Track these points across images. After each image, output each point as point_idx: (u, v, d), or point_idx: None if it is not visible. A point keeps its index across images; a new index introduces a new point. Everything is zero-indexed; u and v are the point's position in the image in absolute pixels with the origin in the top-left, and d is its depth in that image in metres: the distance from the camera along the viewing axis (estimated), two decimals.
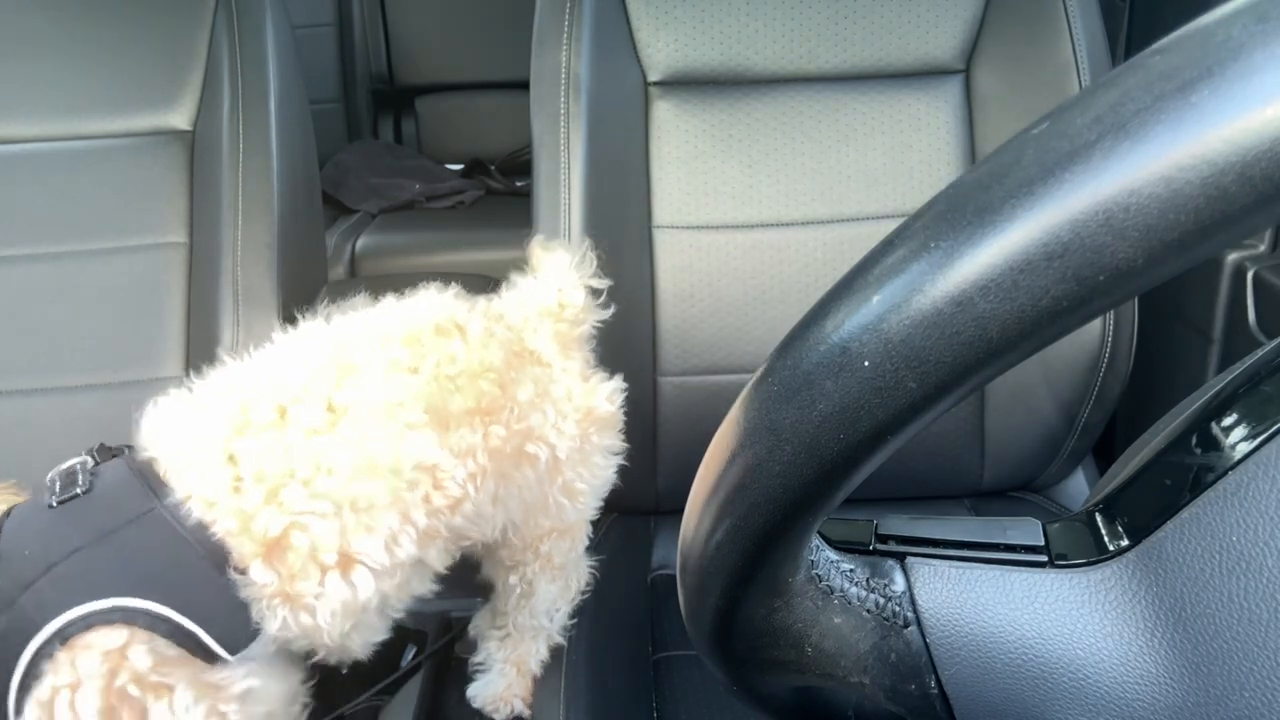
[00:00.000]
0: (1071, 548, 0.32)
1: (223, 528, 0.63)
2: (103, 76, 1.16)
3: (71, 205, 1.14)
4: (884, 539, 0.34)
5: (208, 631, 0.63)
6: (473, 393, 0.70)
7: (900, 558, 0.34)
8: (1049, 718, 0.32)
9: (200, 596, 0.63)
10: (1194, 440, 0.30)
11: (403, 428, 0.66)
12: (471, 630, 0.93)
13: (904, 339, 0.23)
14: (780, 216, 1.06)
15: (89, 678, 0.59)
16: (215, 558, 0.63)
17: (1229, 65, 0.19)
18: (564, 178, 1.02)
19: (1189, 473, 0.30)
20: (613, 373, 1.05)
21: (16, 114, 1.15)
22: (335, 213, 2.02)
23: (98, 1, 1.17)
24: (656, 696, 0.92)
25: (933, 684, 0.34)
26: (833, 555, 0.34)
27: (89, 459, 0.69)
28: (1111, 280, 0.21)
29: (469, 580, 1.03)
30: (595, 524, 1.16)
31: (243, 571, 0.63)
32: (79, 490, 0.65)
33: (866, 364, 0.24)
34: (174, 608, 0.62)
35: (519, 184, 2.11)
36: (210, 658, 0.63)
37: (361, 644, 0.72)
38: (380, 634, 0.73)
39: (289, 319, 1.12)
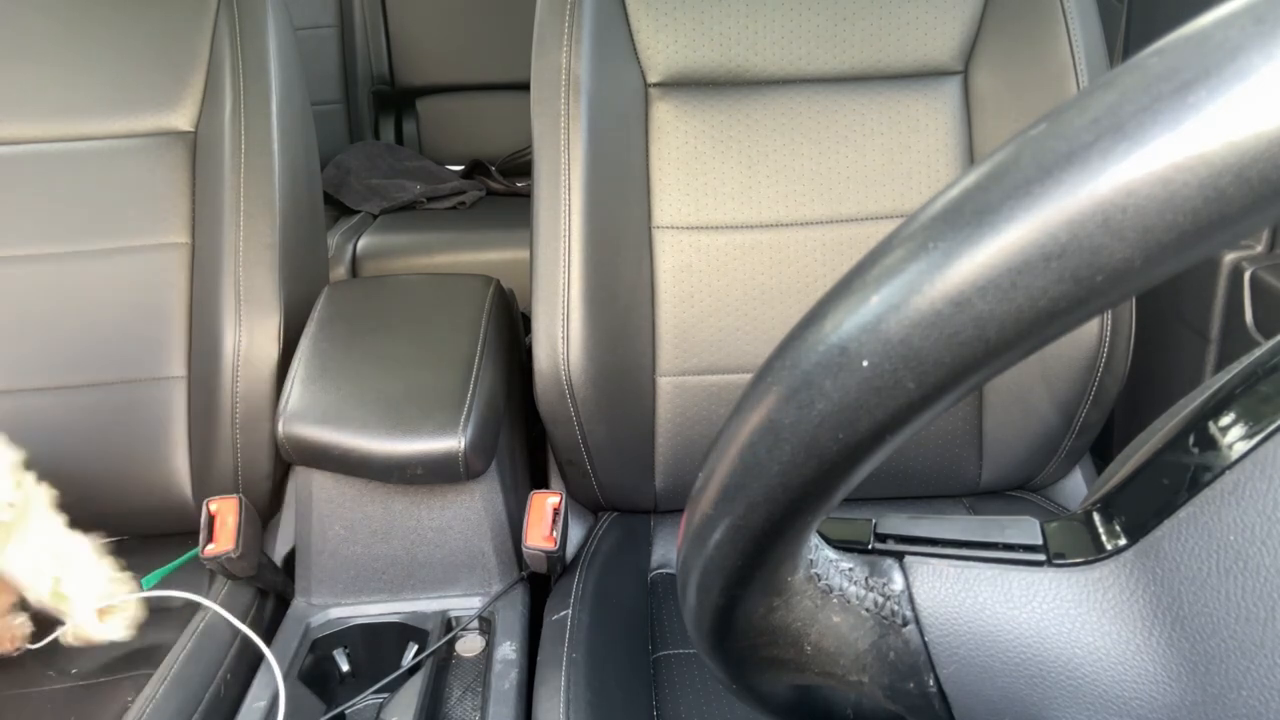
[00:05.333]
0: (1069, 547, 0.32)
1: None
2: (104, 77, 1.16)
3: (73, 206, 1.14)
4: (882, 538, 0.34)
5: None
6: None
7: (899, 556, 0.34)
8: (1047, 716, 0.32)
9: None
10: (1191, 440, 0.30)
11: None
12: None
13: (902, 339, 0.23)
14: (780, 217, 1.06)
15: None
16: None
17: (1226, 66, 0.20)
18: (564, 178, 1.02)
19: (1186, 472, 0.30)
20: (613, 373, 1.06)
21: (18, 115, 1.15)
22: (336, 213, 2.02)
23: (99, 2, 1.18)
24: (656, 695, 0.92)
25: (931, 682, 0.34)
26: (832, 554, 0.34)
27: None
28: (1109, 281, 0.21)
29: (470, 580, 1.04)
30: (594, 523, 1.16)
31: None
32: None
33: (865, 364, 0.24)
34: None
35: (519, 185, 2.11)
36: None
37: None
38: None
39: (290, 319, 1.12)
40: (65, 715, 0.91)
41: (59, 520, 0.95)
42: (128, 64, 1.17)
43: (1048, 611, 0.31)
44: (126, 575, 0.98)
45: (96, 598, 0.94)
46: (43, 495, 0.95)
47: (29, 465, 1.01)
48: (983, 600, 0.32)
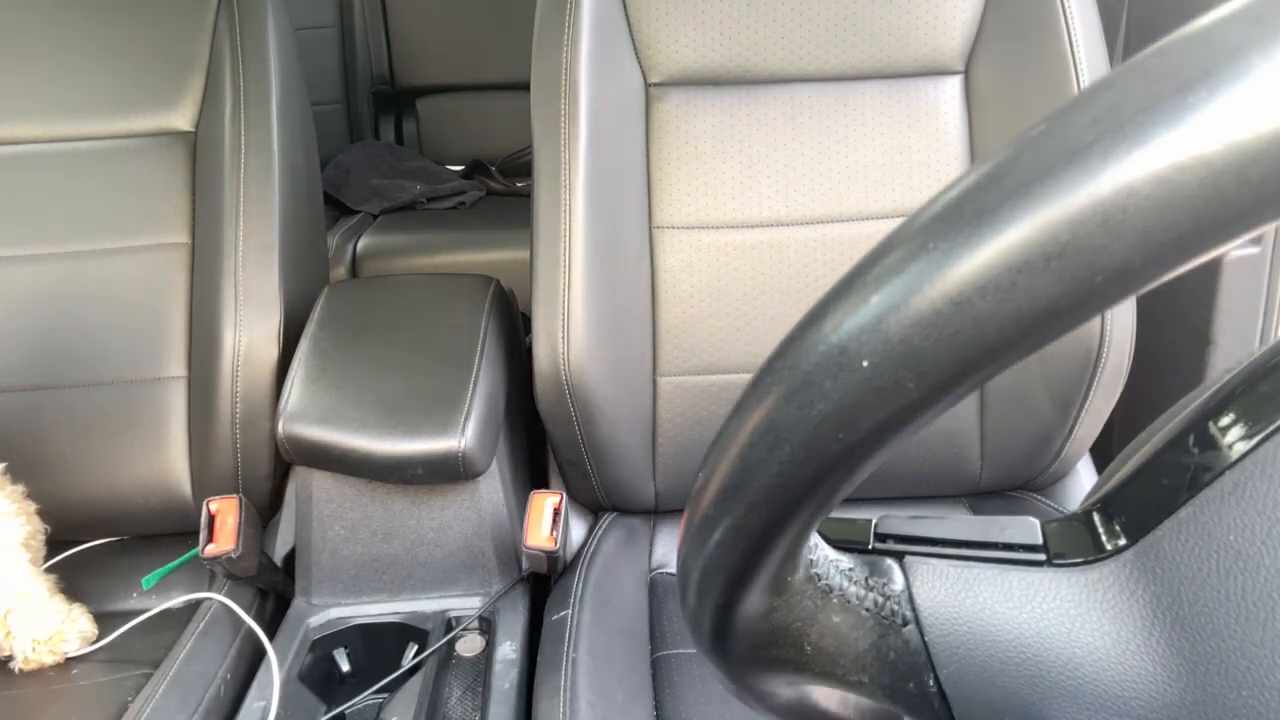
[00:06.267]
0: (1069, 547, 0.32)
1: None
2: (105, 77, 1.16)
3: (74, 206, 1.14)
4: (883, 538, 0.34)
5: None
6: None
7: (899, 556, 0.34)
8: (1047, 716, 0.32)
9: None
10: (1191, 440, 0.30)
11: None
12: None
13: (902, 339, 0.23)
14: (780, 217, 1.06)
15: None
16: None
17: (1226, 67, 0.20)
18: (564, 178, 1.02)
19: (1186, 472, 0.30)
20: (613, 373, 1.06)
21: (19, 115, 1.15)
22: (337, 213, 2.02)
23: (100, 3, 1.18)
24: (656, 695, 0.92)
25: (931, 682, 0.34)
26: (832, 554, 0.34)
27: None
28: (1109, 281, 0.21)
29: (470, 580, 1.04)
30: (594, 523, 1.16)
31: None
32: None
33: (865, 364, 0.24)
34: None
35: (520, 185, 2.11)
36: None
37: None
38: None
39: (290, 319, 1.12)
40: (65, 715, 0.91)
41: (23, 556, 0.96)
42: (128, 64, 1.17)
43: (1048, 611, 0.31)
44: (78, 611, 0.99)
45: (40, 634, 0.94)
46: (9, 529, 0.95)
47: (26, 467, 1.02)
48: (983, 600, 0.32)
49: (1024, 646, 0.31)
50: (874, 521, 0.35)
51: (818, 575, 0.33)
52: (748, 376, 0.28)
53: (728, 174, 1.06)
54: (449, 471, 0.96)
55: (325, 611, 1.02)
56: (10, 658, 0.95)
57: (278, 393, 1.05)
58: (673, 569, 1.11)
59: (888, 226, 0.28)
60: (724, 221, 1.07)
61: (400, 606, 1.02)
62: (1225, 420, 0.30)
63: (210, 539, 0.98)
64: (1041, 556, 0.32)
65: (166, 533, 1.15)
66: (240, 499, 1.00)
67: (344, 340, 1.07)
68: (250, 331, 1.10)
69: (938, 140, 1.06)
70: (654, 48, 1.06)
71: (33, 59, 1.16)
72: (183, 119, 1.16)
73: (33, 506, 1.01)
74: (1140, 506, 0.31)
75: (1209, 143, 0.20)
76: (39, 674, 0.95)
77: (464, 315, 1.11)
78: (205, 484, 1.12)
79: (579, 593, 1.01)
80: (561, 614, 0.98)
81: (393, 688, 0.93)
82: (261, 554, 1.04)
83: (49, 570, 1.02)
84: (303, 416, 0.97)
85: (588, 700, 0.86)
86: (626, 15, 1.06)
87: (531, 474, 1.21)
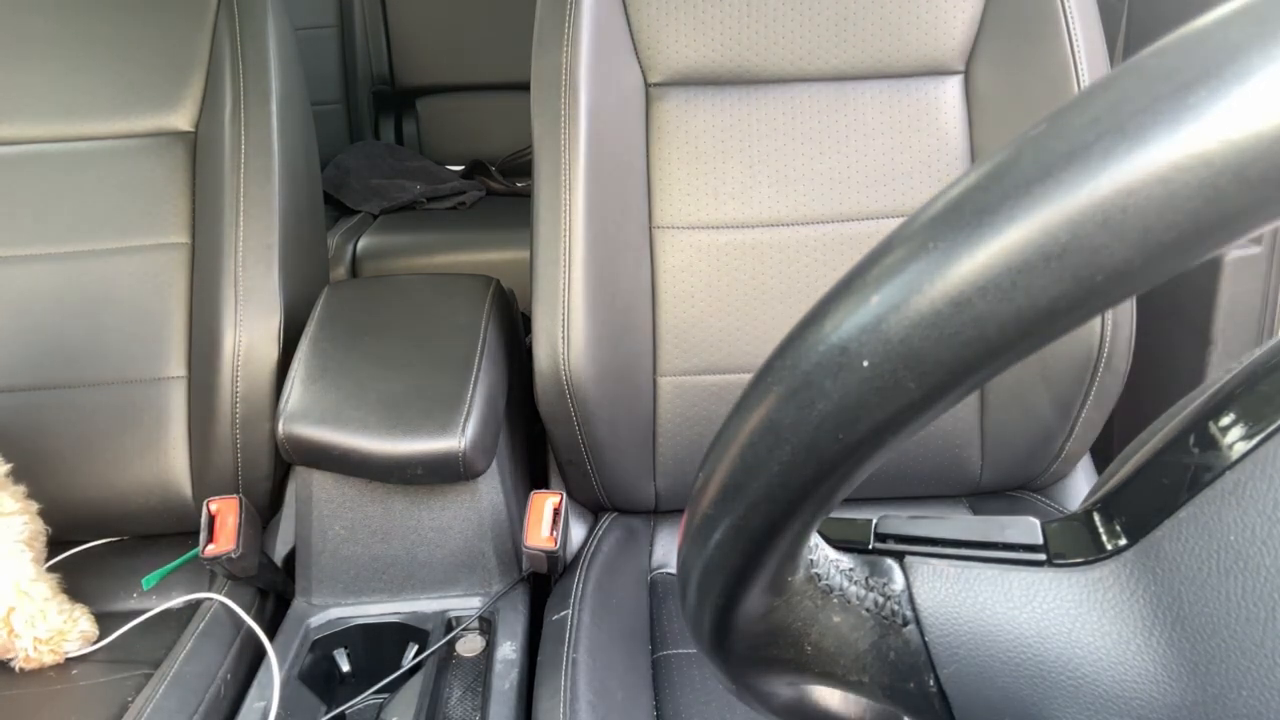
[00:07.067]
0: (1070, 547, 0.32)
1: None
2: (105, 78, 1.16)
3: (74, 206, 1.14)
4: (883, 538, 0.34)
5: None
6: None
7: (899, 556, 0.34)
8: (1047, 716, 0.32)
9: None
10: (1192, 440, 0.30)
11: None
12: None
13: (902, 339, 0.23)
14: (780, 216, 1.06)
15: None
16: None
17: (1226, 67, 0.20)
18: (564, 178, 1.02)
19: (1187, 472, 0.30)
20: (613, 373, 1.06)
21: (19, 115, 1.15)
22: (337, 214, 2.02)
23: (100, 3, 1.18)
24: (656, 695, 0.92)
25: (931, 682, 0.34)
26: (832, 554, 0.34)
27: None
28: (1109, 281, 0.21)
29: (470, 580, 1.04)
30: (594, 524, 1.16)
31: None
32: None
33: (865, 364, 0.24)
34: None
35: (520, 185, 2.11)
36: None
37: None
38: None
39: (290, 319, 1.12)
40: (65, 715, 0.91)
41: (27, 554, 0.96)
42: (128, 64, 1.17)
43: (1048, 611, 0.31)
44: (79, 611, 0.99)
45: (43, 633, 0.94)
46: (12, 527, 0.95)
47: (26, 467, 1.02)
48: (983, 600, 0.32)
49: (1024, 647, 0.31)
50: (874, 521, 0.35)
51: (818, 575, 0.33)
52: (748, 376, 0.28)
53: (728, 174, 1.06)
54: (449, 472, 0.96)
55: (325, 611, 1.02)
56: (12, 657, 0.95)
57: (278, 393, 1.05)
58: (673, 569, 1.11)
59: (888, 226, 0.28)
60: (724, 221, 1.07)
61: (400, 606, 1.02)
62: (1225, 420, 0.30)
63: (210, 539, 0.98)
64: (1042, 556, 0.32)
65: (166, 533, 1.15)
66: (240, 499, 1.00)
67: (344, 340, 1.07)
68: (250, 331, 1.10)
69: (938, 140, 1.06)
70: (654, 47, 1.06)
71: (33, 59, 1.16)
72: (183, 119, 1.16)
73: (34, 506, 1.01)
74: (1140, 506, 0.31)
75: (1209, 143, 0.20)
76: (39, 674, 0.95)
77: (464, 315, 1.11)
78: (205, 484, 1.12)
79: (579, 593, 1.01)
80: (562, 614, 0.98)
81: (393, 688, 0.93)
82: (261, 554, 1.04)
83: (50, 570, 1.02)
84: (303, 416, 0.97)
85: (588, 700, 0.86)
86: (626, 15, 1.06)
87: (531, 474, 1.21)
